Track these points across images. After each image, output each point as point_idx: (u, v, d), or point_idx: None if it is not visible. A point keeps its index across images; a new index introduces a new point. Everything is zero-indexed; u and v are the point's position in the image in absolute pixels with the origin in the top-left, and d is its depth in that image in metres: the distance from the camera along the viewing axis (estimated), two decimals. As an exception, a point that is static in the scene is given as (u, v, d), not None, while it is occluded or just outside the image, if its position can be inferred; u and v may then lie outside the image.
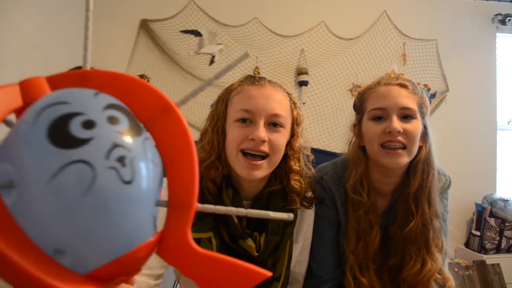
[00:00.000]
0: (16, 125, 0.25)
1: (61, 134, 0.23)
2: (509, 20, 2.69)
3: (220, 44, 2.48)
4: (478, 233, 2.45)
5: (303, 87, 2.50)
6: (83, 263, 0.25)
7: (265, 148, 0.72)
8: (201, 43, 2.46)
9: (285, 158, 0.80)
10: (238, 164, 0.73)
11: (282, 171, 0.81)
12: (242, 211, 0.30)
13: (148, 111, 0.29)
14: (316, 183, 0.93)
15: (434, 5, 2.70)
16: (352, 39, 2.59)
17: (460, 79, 2.69)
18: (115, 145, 0.25)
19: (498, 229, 2.38)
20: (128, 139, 0.26)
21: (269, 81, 0.79)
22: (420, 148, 0.85)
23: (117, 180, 0.24)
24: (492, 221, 2.39)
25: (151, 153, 0.28)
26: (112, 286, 0.28)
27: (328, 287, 0.90)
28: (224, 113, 0.77)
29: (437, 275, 0.86)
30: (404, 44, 2.64)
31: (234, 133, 0.73)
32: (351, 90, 2.58)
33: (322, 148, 2.48)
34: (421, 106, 0.85)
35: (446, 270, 0.89)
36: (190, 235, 0.28)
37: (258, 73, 2.48)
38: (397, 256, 0.88)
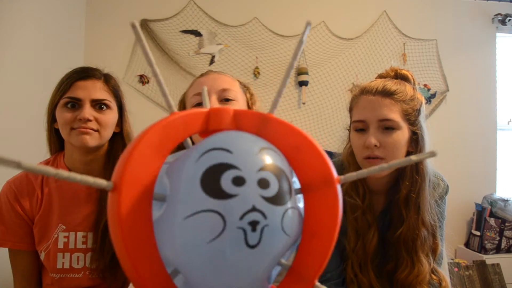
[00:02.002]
0: (190, 150, 0.28)
1: (211, 181, 0.25)
2: (509, 20, 2.69)
3: (220, 44, 2.48)
4: (478, 233, 2.44)
5: (303, 87, 2.50)
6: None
7: None
8: (201, 43, 2.46)
9: None
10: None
11: None
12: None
13: (310, 177, 0.29)
14: None
15: (434, 5, 2.70)
16: (352, 39, 2.59)
17: (460, 79, 2.69)
18: (254, 209, 0.25)
19: (498, 229, 2.38)
20: (268, 206, 0.26)
21: (216, 71, 0.88)
22: (409, 153, 0.84)
23: (241, 241, 0.25)
24: (492, 221, 2.39)
25: (289, 224, 0.28)
26: None
27: (333, 284, 0.91)
28: (184, 106, 0.88)
29: (432, 275, 0.87)
30: (404, 44, 2.64)
31: None
32: (351, 90, 2.58)
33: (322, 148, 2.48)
34: (407, 113, 0.82)
35: (442, 271, 0.90)
36: None
37: (258, 73, 2.48)
38: (393, 260, 0.89)
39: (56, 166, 0.93)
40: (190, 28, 2.45)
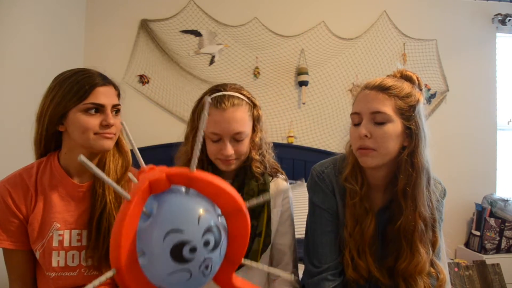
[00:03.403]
0: (149, 228, 0.42)
1: (178, 254, 0.41)
2: (509, 20, 2.69)
3: (220, 44, 2.48)
4: (478, 233, 2.45)
5: (303, 87, 2.50)
6: None
7: (232, 157, 0.96)
8: (201, 43, 2.46)
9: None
10: (217, 163, 0.99)
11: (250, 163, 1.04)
12: None
13: (229, 208, 0.46)
14: (318, 176, 1.00)
15: (434, 5, 2.70)
16: (352, 39, 2.59)
17: (460, 79, 2.69)
18: (205, 259, 0.43)
19: (498, 229, 2.38)
20: (213, 254, 0.44)
21: (228, 98, 0.95)
22: (404, 148, 0.88)
23: (202, 277, 0.44)
24: (492, 221, 2.39)
25: (223, 250, 0.46)
26: None
27: (329, 274, 0.94)
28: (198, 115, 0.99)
29: (431, 268, 0.90)
30: (404, 44, 2.64)
31: (210, 148, 0.97)
32: (351, 90, 2.56)
33: (322, 148, 2.48)
34: (400, 108, 0.85)
35: (440, 263, 0.92)
36: (234, 276, 0.50)
37: (258, 73, 2.48)
38: (394, 253, 0.92)
39: (50, 167, 0.94)
40: (190, 28, 2.45)
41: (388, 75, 0.96)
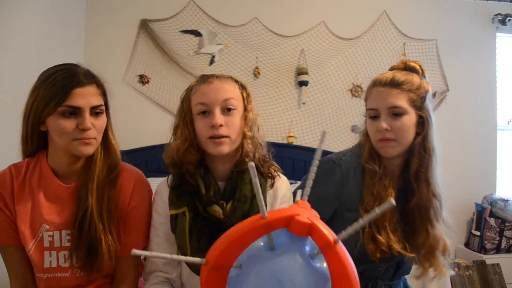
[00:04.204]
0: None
1: None
2: (509, 20, 2.69)
3: (220, 44, 2.48)
4: (478, 233, 2.45)
5: (303, 87, 2.50)
6: None
7: (223, 131, 0.89)
8: (201, 43, 2.46)
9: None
10: (208, 146, 0.91)
11: (242, 144, 0.96)
12: None
13: (321, 243, 0.48)
14: (335, 163, 1.03)
15: (434, 5, 2.70)
16: (352, 39, 2.59)
17: (460, 79, 2.69)
18: None
19: (498, 229, 2.38)
20: None
21: (217, 76, 0.94)
22: (417, 134, 0.97)
23: None
24: (492, 221, 2.39)
25: None
26: None
27: None
28: (189, 108, 0.94)
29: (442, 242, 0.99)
30: (404, 44, 2.64)
31: (199, 125, 0.91)
32: (351, 90, 2.58)
33: (322, 148, 2.47)
34: (413, 100, 0.95)
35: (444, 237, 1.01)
36: None
37: (258, 73, 2.48)
38: (412, 232, 1.00)
39: (39, 166, 0.93)
40: (190, 28, 2.45)
41: (393, 68, 1.03)
